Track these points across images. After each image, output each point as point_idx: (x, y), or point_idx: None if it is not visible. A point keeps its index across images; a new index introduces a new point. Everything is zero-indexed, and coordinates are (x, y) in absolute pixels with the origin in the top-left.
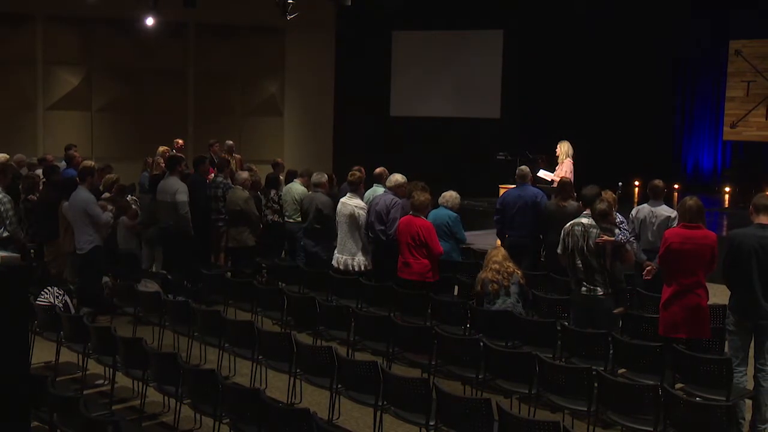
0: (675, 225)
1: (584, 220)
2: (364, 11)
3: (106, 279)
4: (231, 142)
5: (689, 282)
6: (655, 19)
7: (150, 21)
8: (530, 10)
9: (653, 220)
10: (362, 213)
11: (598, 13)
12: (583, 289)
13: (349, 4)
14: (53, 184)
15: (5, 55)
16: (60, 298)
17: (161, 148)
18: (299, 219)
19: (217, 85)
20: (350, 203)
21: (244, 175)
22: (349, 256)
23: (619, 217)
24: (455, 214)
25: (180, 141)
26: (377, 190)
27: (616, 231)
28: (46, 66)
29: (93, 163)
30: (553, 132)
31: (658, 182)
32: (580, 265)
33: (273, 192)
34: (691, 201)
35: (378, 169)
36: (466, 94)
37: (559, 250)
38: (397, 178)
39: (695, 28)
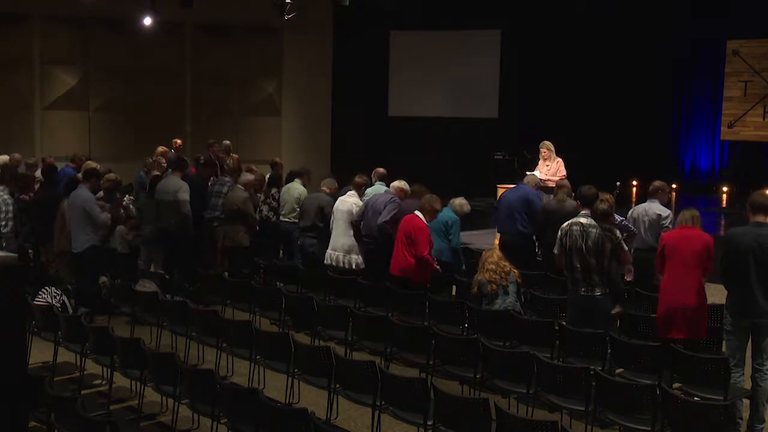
0: (667, 224)
1: (583, 220)
2: (362, 11)
3: (103, 279)
4: (228, 142)
5: (686, 282)
6: (652, 19)
7: (147, 21)
8: (528, 10)
9: (645, 218)
10: (356, 210)
11: (595, 12)
12: (582, 289)
13: (347, 3)
14: (52, 185)
15: (2, 55)
16: (58, 298)
17: (160, 149)
18: (295, 219)
19: (215, 84)
20: (349, 200)
21: (249, 177)
22: (341, 252)
23: (617, 218)
24: (456, 218)
25: (178, 141)
26: (379, 188)
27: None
28: (43, 66)
29: (97, 165)
30: (550, 132)
31: (657, 183)
32: (578, 265)
33: (274, 190)
34: (688, 211)
35: (380, 169)
36: (463, 94)
37: (555, 250)
38: (402, 184)
39: (693, 28)
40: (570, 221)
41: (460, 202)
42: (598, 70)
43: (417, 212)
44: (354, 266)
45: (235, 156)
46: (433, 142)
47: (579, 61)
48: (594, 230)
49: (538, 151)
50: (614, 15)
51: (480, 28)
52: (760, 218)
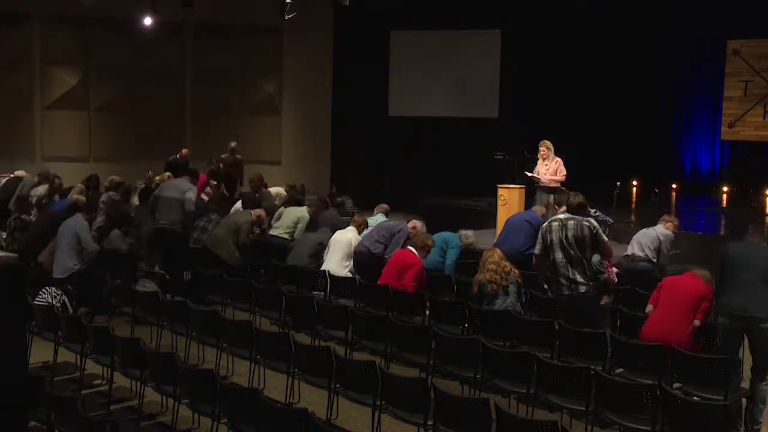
0: (666, 242)
1: (561, 216)
2: (362, 11)
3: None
4: (234, 144)
5: (674, 318)
6: (653, 19)
7: (148, 21)
8: (528, 10)
9: (647, 231)
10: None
11: (595, 12)
12: (565, 291)
13: (347, 3)
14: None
15: (2, 55)
16: (58, 297)
17: (167, 175)
18: (286, 236)
19: (215, 85)
20: (348, 234)
21: (261, 212)
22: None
23: (592, 210)
24: (459, 242)
25: (185, 150)
26: (380, 218)
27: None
28: (44, 66)
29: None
30: (550, 132)
31: (673, 217)
32: (561, 260)
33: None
34: (701, 269)
35: (385, 204)
36: (464, 93)
37: (536, 250)
38: (419, 224)
39: (693, 28)
40: (548, 220)
41: (466, 233)
42: (598, 69)
43: (411, 248)
44: None
45: (239, 157)
46: (433, 142)
47: (579, 61)
48: (572, 222)
49: (537, 151)
50: (614, 15)
51: (480, 28)
52: (755, 239)
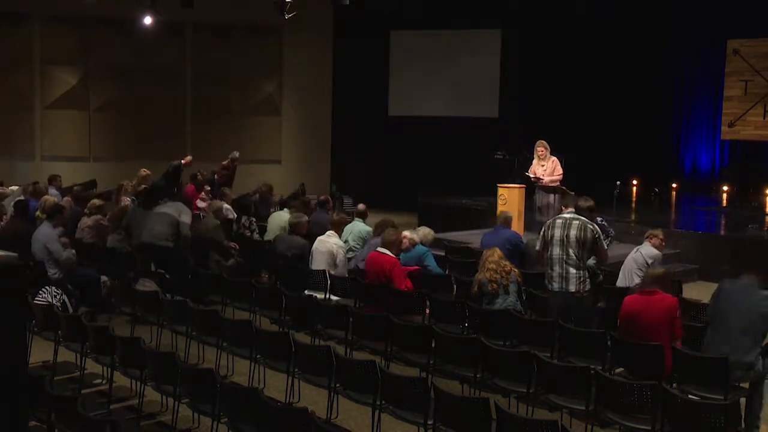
0: (651, 263)
1: (567, 215)
2: (362, 11)
3: (104, 278)
4: (236, 154)
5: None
6: (653, 19)
7: (147, 21)
8: (528, 10)
9: (634, 258)
10: (341, 252)
11: (595, 12)
12: (556, 286)
13: (347, 3)
14: (23, 217)
15: (2, 55)
16: (58, 297)
17: (143, 171)
18: None
19: (215, 84)
20: (329, 241)
21: (220, 204)
22: (319, 293)
23: (597, 219)
24: (426, 249)
25: (189, 157)
26: (357, 224)
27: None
28: (44, 65)
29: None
30: (551, 132)
31: (659, 231)
32: (558, 256)
33: (245, 218)
34: (654, 270)
35: (361, 206)
36: (464, 93)
37: (537, 246)
38: (408, 235)
39: (693, 28)
40: (554, 216)
41: (424, 233)
42: (598, 69)
43: (381, 249)
44: None
45: (235, 165)
46: (433, 142)
47: (579, 61)
48: (577, 222)
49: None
50: (614, 15)
51: (480, 27)
52: (751, 280)
